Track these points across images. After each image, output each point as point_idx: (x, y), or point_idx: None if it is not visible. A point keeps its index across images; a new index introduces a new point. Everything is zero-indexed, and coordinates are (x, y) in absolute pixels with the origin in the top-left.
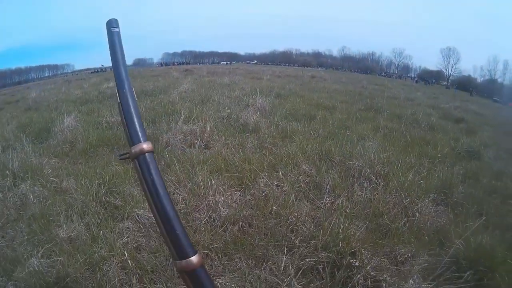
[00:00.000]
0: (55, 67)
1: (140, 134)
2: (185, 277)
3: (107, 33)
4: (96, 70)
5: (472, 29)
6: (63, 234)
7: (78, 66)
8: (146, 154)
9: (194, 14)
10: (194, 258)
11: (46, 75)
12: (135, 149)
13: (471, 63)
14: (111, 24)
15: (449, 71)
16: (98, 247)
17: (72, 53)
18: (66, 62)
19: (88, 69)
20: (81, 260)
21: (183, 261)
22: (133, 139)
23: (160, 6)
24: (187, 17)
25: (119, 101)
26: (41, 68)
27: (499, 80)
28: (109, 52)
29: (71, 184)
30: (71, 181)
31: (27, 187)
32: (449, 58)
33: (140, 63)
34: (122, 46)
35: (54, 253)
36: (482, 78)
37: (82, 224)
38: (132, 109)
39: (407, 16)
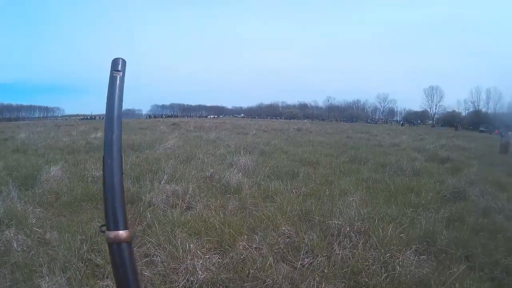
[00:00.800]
0: (46, 109)
1: (119, 219)
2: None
3: (110, 76)
4: (85, 117)
5: (452, 63)
6: (45, 286)
7: (69, 111)
8: (123, 244)
9: (180, 68)
10: (123, 232)
11: (36, 116)
12: (111, 235)
13: (455, 98)
14: (116, 66)
15: (434, 110)
16: None
17: (63, 96)
18: (57, 105)
19: (77, 115)
20: None
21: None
22: (109, 223)
23: (151, 58)
24: (176, 71)
25: (103, 169)
26: (32, 108)
27: (483, 110)
28: (106, 97)
29: (54, 237)
30: (54, 234)
31: (11, 235)
32: (433, 97)
33: (129, 113)
34: (122, 94)
35: None
36: (466, 111)
37: (64, 279)
38: (116, 187)
39: (390, 61)
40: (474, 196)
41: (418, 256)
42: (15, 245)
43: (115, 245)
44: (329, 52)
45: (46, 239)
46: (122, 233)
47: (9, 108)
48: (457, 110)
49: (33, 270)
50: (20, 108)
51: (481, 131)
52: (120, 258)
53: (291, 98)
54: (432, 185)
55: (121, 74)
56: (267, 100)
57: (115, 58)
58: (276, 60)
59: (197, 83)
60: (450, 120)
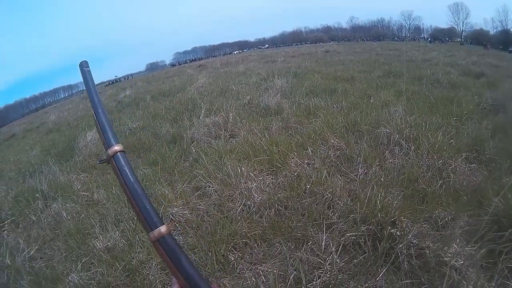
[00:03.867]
0: (69, 87)
1: (112, 139)
2: (157, 245)
3: (81, 72)
4: (110, 82)
5: None
6: (100, 245)
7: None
8: (118, 153)
9: (200, 9)
10: (162, 228)
11: (62, 96)
12: (109, 151)
13: (481, 16)
14: (83, 65)
15: (461, 27)
16: (136, 252)
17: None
18: (80, 80)
19: (102, 82)
20: (120, 268)
21: (154, 231)
22: (107, 144)
23: (165, 8)
24: (193, 14)
25: (95, 118)
26: (56, 91)
27: None
28: (84, 85)
29: (102, 196)
30: (101, 192)
31: (59, 206)
32: (458, 14)
33: (152, 67)
34: (93, 80)
35: (93, 265)
36: (494, 30)
37: (117, 232)
38: (105, 122)
39: None
40: None
41: (469, 165)
42: (64, 214)
43: (115, 156)
44: None
45: (95, 200)
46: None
47: (34, 99)
48: (484, 29)
49: (86, 233)
50: (44, 95)
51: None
52: (119, 165)
53: (313, 22)
54: (471, 97)
55: (89, 69)
56: (289, 28)
57: (81, 61)
58: None
59: (215, 22)
60: (479, 38)
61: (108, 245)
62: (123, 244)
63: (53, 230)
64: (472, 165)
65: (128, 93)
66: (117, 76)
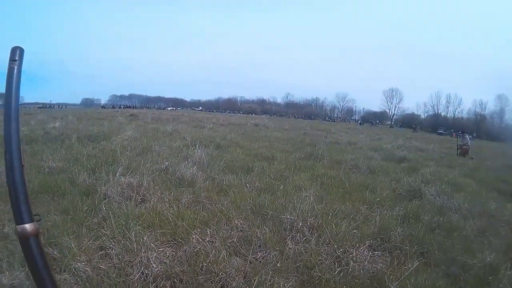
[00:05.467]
0: (2, 96)
1: (24, 213)
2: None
3: (8, 68)
4: (44, 106)
5: (413, 69)
6: (5, 281)
7: (28, 99)
8: (30, 237)
9: (142, 58)
10: (29, 226)
11: None
12: (18, 229)
13: (414, 101)
14: (13, 55)
15: (393, 111)
16: None
17: (22, 83)
18: None
19: (37, 103)
20: None
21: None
22: (16, 218)
23: (112, 47)
24: (136, 61)
25: (5, 159)
26: None
27: (443, 113)
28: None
29: (12, 231)
30: (12, 227)
31: None
32: (392, 99)
33: (87, 103)
34: (19, 85)
35: None
36: (425, 114)
37: (23, 273)
38: (17, 180)
39: (351, 61)
40: (430, 195)
41: (372, 252)
42: None
43: (23, 239)
44: (288, 50)
45: (5, 233)
46: (28, 226)
47: None
48: (416, 113)
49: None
50: None
51: (440, 134)
52: (30, 251)
53: (249, 93)
54: (388, 183)
55: (17, 64)
56: (225, 94)
57: (13, 47)
58: (235, 54)
59: (156, 74)
60: (409, 122)
61: (13, 283)
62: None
63: None
64: (376, 253)
65: (57, 125)
66: (51, 101)
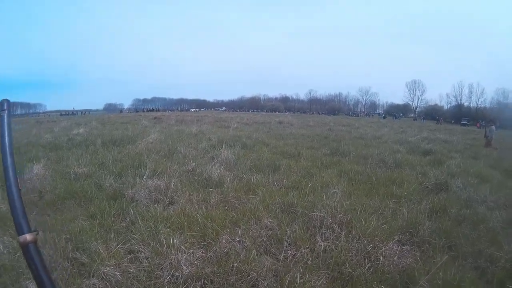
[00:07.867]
0: (28, 105)
1: (22, 223)
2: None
3: None
4: (67, 113)
5: (436, 59)
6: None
7: (50, 107)
8: (30, 245)
9: (164, 60)
10: (28, 235)
11: (18, 112)
12: (20, 239)
13: (437, 92)
14: (2, 106)
15: (416, 103)
16: None
17: (44, 92)
18: (39, 101)
19: (59, 110)
20: None
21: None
22: (16, 230)
23: (133, 51)
24: (158, 65)
25: (7, 193)
26: (14, 105)
27: (466, 104)
28: None
29: (39, 238)
30: (39, 234)
31: None
32: (415, 91)
33: (110, 108)
34: (11, 130)
35: None
36: (448, 105)
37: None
38: (16, 200)
39: (372, 54)
40: (456, 188)
41: (401, 247)
42: (1, 247)
43: (24, 247)
44: (311, 45)
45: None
46: (27, 236)
47: None
48: (439, 104)
49: (20, 272)
50: None
51: (463, 125)
52: (30, 256)
53: (272, 91)
54: (414, 176)
55: (6, 113)
56: (248, 93)
57: (1, 100)
58: (258, 52)
59: (179, 76)
60: (432, 114)
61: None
62: None
63: None
64: (404, 247)
65: (81, 131)
66: (74, 108)
